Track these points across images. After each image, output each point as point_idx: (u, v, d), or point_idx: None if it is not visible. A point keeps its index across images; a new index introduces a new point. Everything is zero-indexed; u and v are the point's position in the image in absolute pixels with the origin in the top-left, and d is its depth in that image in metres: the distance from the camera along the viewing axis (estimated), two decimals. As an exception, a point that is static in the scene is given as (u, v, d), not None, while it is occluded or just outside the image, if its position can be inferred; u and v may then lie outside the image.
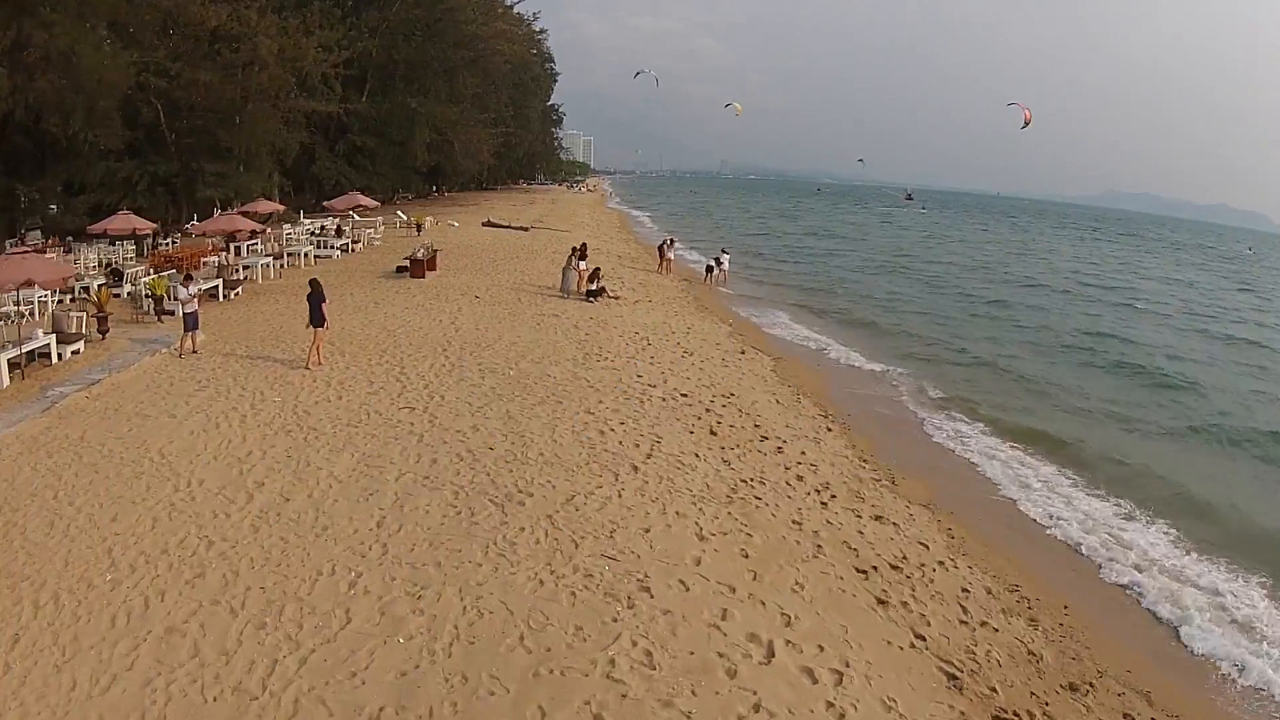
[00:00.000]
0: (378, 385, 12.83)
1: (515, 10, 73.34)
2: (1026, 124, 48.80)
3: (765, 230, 65.87)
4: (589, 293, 21.31)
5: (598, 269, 22.09)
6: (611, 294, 21.83)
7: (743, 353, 17.62)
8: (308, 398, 12.08)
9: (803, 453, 11.56)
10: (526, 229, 42.13)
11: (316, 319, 13.62)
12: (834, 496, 10.16)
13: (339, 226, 32.02)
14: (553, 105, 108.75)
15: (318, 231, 30.76)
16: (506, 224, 43.19)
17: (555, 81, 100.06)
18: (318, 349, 13.82)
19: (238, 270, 22.29)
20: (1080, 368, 20.96)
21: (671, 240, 30.99)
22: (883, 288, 33.61)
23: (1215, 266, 68.21)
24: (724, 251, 30.91)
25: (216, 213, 31.14)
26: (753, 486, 9.97)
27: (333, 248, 28.75)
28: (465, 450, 10.15)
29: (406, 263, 23.81)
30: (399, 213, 41.79)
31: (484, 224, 43.14)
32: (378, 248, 32.05)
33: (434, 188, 74.99)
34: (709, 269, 29.44)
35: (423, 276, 23.33)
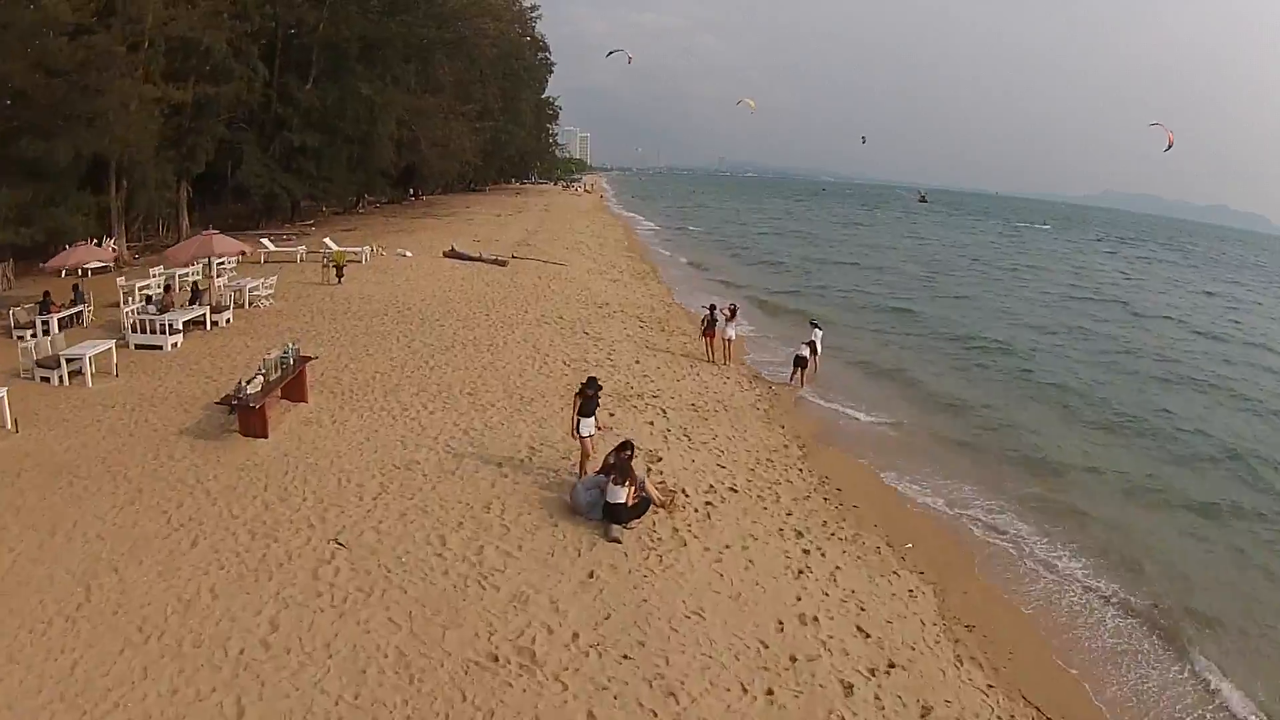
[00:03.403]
0: None
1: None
2: (1169, 146, 46.40)
3: (812, 255, 53.43)
4: (613, 510, 9.38)
5: (629, 453, 9.83)
6: (663, 501, 9.96)
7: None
8: None
9: None
10: (504, 263, 30.10)
11: None
12: None
13: (195, 285, 19.80)
14: (548, 98, 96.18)
15: (141, 303, 17.95)
16: (477, 256, 31.10)
17: (551, 72, 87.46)
18: None
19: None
20: None
21: (733, 310, 18.89)
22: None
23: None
24: (815, 325, 19.10)
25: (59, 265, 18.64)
26: None
27: (166, 330, 16.47)
28: None
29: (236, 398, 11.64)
30: (327, 240, 29.67)
31: (446, 254, 31.11)
32: (266, 312, 20.06)
33: (409, 191, 63.10)
34: (798, 362, 17.55)
35: (263, 435, 11.22)
